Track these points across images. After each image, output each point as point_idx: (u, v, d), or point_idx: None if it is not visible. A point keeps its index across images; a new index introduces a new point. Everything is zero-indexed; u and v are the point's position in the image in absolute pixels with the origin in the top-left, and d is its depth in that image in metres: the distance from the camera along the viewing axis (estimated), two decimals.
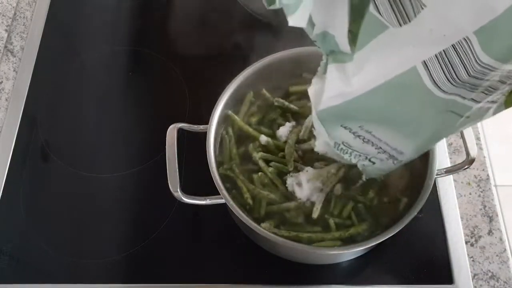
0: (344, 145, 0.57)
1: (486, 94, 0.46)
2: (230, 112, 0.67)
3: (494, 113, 0.47)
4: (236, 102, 0.68)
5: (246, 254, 0.68)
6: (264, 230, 0.58)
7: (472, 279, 0.66)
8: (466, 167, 0.63)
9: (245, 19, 0.87)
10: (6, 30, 0.89)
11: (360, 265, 0.67)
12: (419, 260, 0.67)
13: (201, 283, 0.66)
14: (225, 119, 0.67)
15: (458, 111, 0.49)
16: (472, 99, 0.47)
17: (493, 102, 0.46)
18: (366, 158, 0.58)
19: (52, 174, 0.75)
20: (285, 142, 0.66)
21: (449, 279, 0.65)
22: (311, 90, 0.55)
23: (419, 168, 0.61)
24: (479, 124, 0.66)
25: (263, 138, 0.66)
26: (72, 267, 0.68)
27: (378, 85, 0.49)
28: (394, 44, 0.46)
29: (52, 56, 0.87)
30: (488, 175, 0.73)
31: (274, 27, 0.85)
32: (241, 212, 0.58)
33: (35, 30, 0.89)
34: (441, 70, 0.46)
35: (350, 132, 0.55)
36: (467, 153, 0.63)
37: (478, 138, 0.73)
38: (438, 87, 0.47)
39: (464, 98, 0.47)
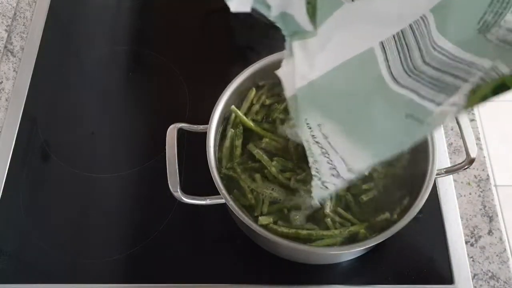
0: (309, 148, 0.54)
1: (447, 94, 0.43)
2: (233, 106, 0.67)
3: (455, 115, 0.43)
4: (236, 101, 0.68)
5: (246, 254, 0.68)
6: (264, 230, 0.58)
7: (472, 279, 0.66)
8: (466, 167, 0.63)
9: (245, 19, 0.87)
10: (6, 30, 0.89)
11: (360, 265, 0.67)
12: (419, 260, 0.67)
13: (201, 283, 0.66)
14: (225, 119, 0.67)
15: (418, 116, 0.45)
16: (432, 100, 0.44)
17: (454, 104, 0.43)
18: (320, 179, 0.54)
19: (52, 174, 0.75)
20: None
21: (449, 279, 0.66)
22: (280, 72, 0.53)
23: (419, 168, 0.61)
24: (479, 124, 0.65)
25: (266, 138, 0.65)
26: (72, 267, 0.68)
27: (336, 65, 0.47)
28: (352, 21, 0.45)
29: (52, 56, 0.87)
30: (488, 175, 0.73)
31: (274, 27, 0.85)
32: (241, 212, 0.58)
33: (35, 30, 0.89)
34: (397, 55, 0.44)
35: (310, 134, 0.53)
36: (467, 153, 0.63)
37: (478, 138, 0.73)
38: (393, 77, 0.45)
39: (422, 97, 0.44)
